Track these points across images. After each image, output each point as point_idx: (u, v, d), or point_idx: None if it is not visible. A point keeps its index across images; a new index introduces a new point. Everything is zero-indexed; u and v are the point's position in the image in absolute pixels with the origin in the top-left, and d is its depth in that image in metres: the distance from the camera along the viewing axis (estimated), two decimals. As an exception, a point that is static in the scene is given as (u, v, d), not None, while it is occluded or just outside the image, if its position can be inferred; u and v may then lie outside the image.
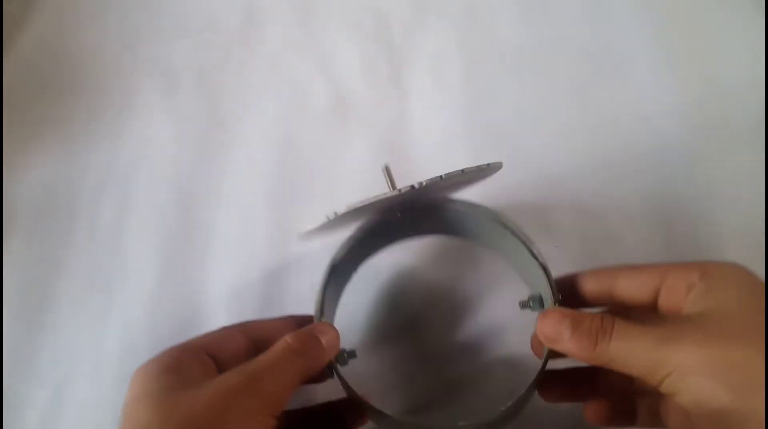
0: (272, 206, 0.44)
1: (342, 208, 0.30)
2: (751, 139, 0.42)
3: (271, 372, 0.27)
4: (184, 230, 0.43)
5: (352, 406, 0.32)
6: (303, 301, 0.39)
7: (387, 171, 0.34)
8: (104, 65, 0.51)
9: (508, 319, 0.37)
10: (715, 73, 0.45)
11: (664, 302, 0.28)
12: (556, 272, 0.32)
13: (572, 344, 0.27)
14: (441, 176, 0.29)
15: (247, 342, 0.30)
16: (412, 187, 0.29)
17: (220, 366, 0.28)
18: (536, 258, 0.32)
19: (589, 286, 0.31)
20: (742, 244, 0.39)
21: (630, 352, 0.26)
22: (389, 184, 0.33)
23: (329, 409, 0.34)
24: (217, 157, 0.46)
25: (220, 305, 0.40)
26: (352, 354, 0.31)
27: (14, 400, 0.38)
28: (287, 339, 0.28)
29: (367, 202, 0.30)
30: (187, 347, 0.29)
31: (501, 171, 0.34)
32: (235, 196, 0.44)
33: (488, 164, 0.31)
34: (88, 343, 0.40)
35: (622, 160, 0.43)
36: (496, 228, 0.34)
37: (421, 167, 0.43)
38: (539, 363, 0.30)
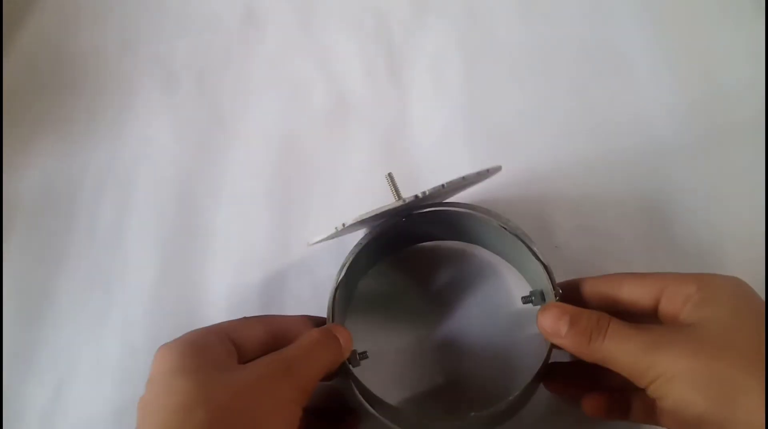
0: (272, 206, 0.44)
1: (349, 220, 0.30)
2: (751, 139, 0.42)
3: (304, 362, 0.28)
4: (184, 230, 0.43)
5: (349, 410, 0.33)
6: (303, 301, 0.40)
7: (390, 179, 0.34)
8: (104, 65, 0.51)
9: (512, 316, 0.37)
10: (715, 73, 0.45)
11: (664, 310, 0.29)
12: (557, 273, 0.33)
13: (568, 340, 0.28)
14: (443, 185, 0.30)
15: (266, 334, 0.30)
16: (416, 196, 0.30)
17: (240, 353, 0.29)
18: (537, 256, 0.33)
19: (593, 291, 0.32)
20: (742, 244, 0.39)
21: (621, 352, 0.27)
22: (394, 192, 0.34)
23: (327, 411, 0.34)
24: (217, 157, 0.46)
25: (220, 305, 0.40)
26: (363, 355, 0.32)
27: (14, 399, 0.38)
28: (314, 333, 0.29)
29: (373, 214, 0.30)
30: (212, 330, 0.29)
31: (501, 171, 0.34)
32: (235, 196, 0.44)
33: (488, 169, 0.32)
34: (88, 342, 0.40)
35: (621, 160, 0.43)
36: (497, 230, 0.35)
37: (421, 167, 0.44)
38: (543, 357, 0.31)
